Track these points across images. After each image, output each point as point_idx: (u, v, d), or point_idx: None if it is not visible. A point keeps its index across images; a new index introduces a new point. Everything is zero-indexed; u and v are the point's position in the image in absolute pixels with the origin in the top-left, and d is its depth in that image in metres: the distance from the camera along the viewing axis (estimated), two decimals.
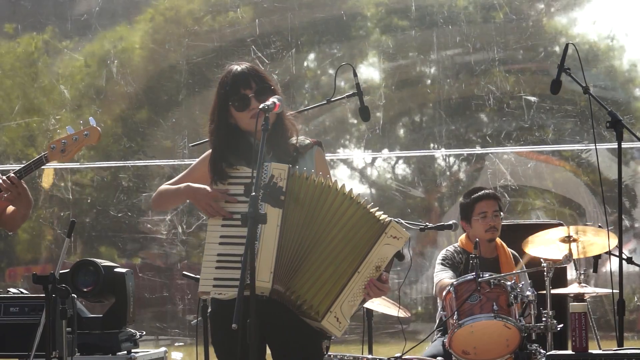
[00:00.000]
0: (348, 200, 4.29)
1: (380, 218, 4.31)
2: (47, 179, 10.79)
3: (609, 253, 6.74)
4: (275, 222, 4.21)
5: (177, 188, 4.50)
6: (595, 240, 6.82)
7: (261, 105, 4.22)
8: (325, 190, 4.28)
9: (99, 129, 5.48)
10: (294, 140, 4.49)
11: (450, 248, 7.05)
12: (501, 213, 7.03)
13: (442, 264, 6.91)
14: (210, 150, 4.54)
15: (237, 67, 4.48)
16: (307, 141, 4.52)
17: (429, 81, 10.73)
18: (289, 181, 4.24)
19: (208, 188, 4.37)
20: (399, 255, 4.37)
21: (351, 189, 4.31)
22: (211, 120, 4.54)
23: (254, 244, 4.03)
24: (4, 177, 5.38)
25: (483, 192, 7.08)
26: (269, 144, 4.37)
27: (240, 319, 3.88)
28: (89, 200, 10.96)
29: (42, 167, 5.51)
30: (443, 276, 6.77)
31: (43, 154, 5.45)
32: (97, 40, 11.12)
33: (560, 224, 7.50)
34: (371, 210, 4.31)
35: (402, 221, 4.75)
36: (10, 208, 5.52)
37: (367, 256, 4.27)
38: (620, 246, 6.52)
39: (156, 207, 4.93)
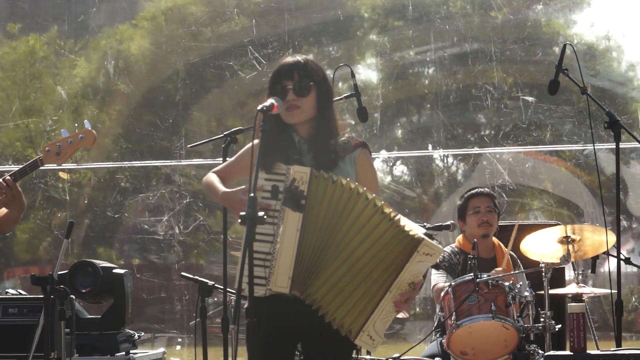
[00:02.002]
0: (380, 215, 4.14)
1: (411, 234, 4.14)
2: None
3: (607, 253, 6.73)
4: (295, 226, 4.12)
5: (217, 191, 4.41)
6: (593, 238, 6.81)
7: (259, 106, 4.20)
8: (353, 196, 4.15)
9: (94, 132, 5.47)
10: (338, 140, 4.38)
11: (447, 249, 7.06)
12: (496, 210, 7.05)
13: (438, 266, 6.92)
14: (257, 141, 4.43)
15: (289, 58, 4.41)
16: (350, 142, 4.40)
17: (426, 82, 10.74)
18: (311, 184, 4.14)
19: (242, 194, 4.24)
20: (436, 266, 4.27)
21: (383, 203, 4.16)
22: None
23: (253, 245, 3.99)
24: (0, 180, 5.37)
25: (477, 190, 7.15)
26: (308, 143, 4.35)
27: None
28: (86, 201, 10.96)
29: (38, 169, 5.50)
30: (438, 280, 6.78)
31: (38, 157, 5.43)
32: (95, 41, 11.13)
33: (558, 224, 7.50)
34: (401, 224, 4.15)
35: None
36: (2, 210, 5.49)
37: (399, 275, 4.15)
38: (618, 246, 6.52)
39: (206, 194, 4.89)
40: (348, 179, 4.19)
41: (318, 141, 4.36)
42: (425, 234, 4.20)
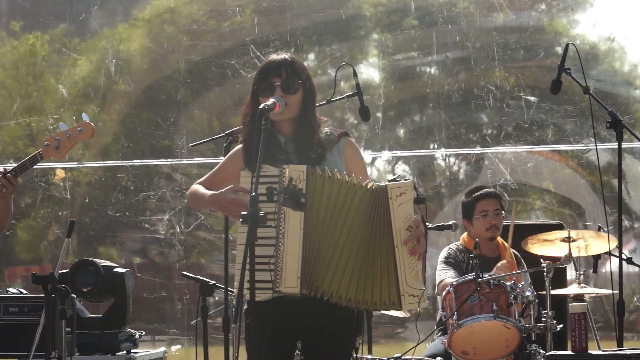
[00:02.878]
0: (360, 189, 4.21)
1: (376, 188, 4.22)
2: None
3: (609, 253, 6.74)
4: (298, 225, 4.13)
5: (203, 196, 4.42)
6: (595, 243, 6.82)
7: (261, 105, 4.19)
8: (351, 189, 4.20)
9: (92, 124, 5.47)
10: (320, 134, 4.40)
11: (453, 246, 7.04)
12: (502, 212, 7.04)
13: (444, 262, 6.90)
14: (239, 146, 4.47)
15: (275, 56, 4.42)
16: (333, 134, 4.43)
17: (428, 81, 10.72)
18: (309, 182, 4.15)
19: (232, 194, 4.24)
20: (418, 200, 4.32)
21: (374, 184, 4.23)
22: (245, 108, 4.44)
23: (254, 245, 3.96)
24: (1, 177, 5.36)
25: (485, 190, 7.09)
26: (294, 142, 4.35)
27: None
28: (87, 200, 10.95)
29: (37, 164, 5.49)
30: (445, 276, 6.76)
31: (37, 151, 5.43)
32: (96, 39, 11.12)
33: (560, 225, 7.50)
34: (369, 187, 4.22)
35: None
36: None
37: (393, 229, 4.19)
38: (620, 246, 6.52)
39: (191, 206, 4.91)
40: (344, 173, 4.24)
41: (303, 139, 4.36)
42: (389, 180, 4.30)
